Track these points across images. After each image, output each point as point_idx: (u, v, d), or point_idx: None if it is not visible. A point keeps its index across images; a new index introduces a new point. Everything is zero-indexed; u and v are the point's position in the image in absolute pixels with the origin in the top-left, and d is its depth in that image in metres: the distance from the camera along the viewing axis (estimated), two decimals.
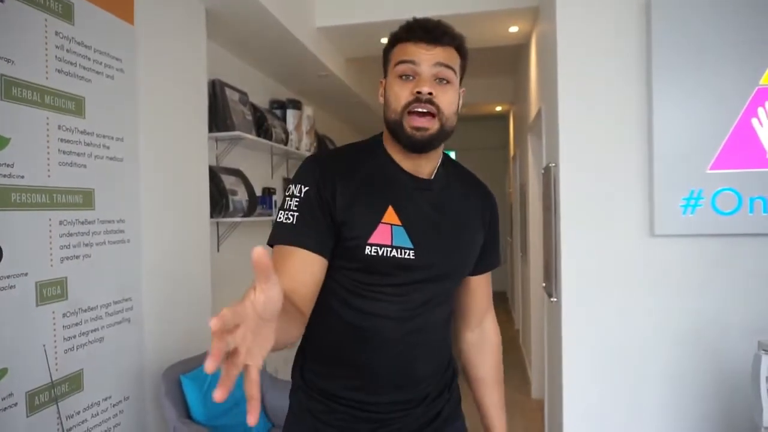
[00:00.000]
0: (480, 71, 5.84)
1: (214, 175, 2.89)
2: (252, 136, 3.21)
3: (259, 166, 3.73)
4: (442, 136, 1.07)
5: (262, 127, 3.46)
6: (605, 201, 2.28)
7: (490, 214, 1.23)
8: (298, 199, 1.04)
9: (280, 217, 1.05)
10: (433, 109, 1.04)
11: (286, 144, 3.78)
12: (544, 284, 3.02)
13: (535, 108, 3.45)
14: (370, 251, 1.04)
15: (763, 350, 1.69)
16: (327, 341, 1.12)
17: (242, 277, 3.17)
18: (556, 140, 2.40)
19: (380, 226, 1.05)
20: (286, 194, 1.07)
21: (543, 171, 2.90)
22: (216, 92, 3.01)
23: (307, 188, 1.05)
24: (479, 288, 1.27)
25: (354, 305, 1.08)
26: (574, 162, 2.31)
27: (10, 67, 1.61)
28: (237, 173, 3.21)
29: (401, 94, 1.05)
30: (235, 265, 3.18)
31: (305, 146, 4.16)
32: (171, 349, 2.33)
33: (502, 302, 7.88)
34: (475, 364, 1.31)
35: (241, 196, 3.09)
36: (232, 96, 3.14)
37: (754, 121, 2.10)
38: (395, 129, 1.07)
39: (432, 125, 1.05)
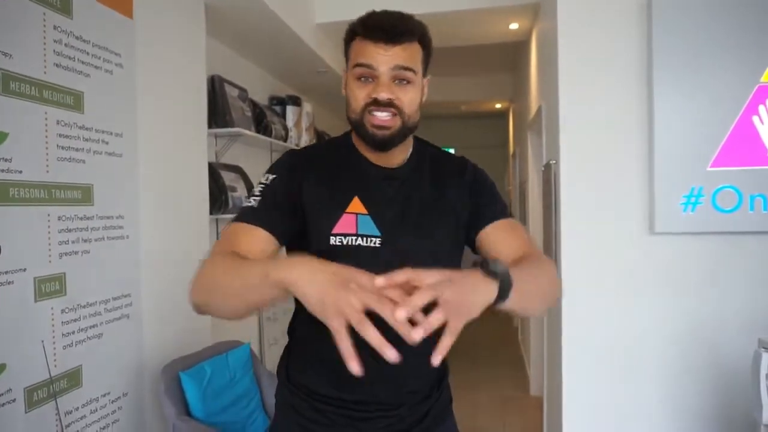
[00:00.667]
0: (480, 68, 5.84)
1: (214, 171, 2.88)
2: (251, 133, 3.20)
3: (259, 162, 3.72)
4: (404, 132, 1.07)
5: (261, 124, 3.45)
6: (605, 198, 2.27)
7: (475, 184, 1.16)
8: (263, 186, 1.08)
9: (249, 201, 1.08)
10: (393, 110, 1.04)
11: (285, 140, 3.77)
12: None
13: (535, 105, 3.44)
14: (335, 241, 1.05)
15: (764, 348, 1.69)
16: (307, 339, 1.12)
17: None
18: (556, 138, 2.39)
19: (344, 216, 1.06)
20: (261, 180, 1.11)
21: (543, 168, 2.89)
22: (215, 88, 3.00)
23: (274, 177, 1.09)
24: (498, 239, 1.12)
25: None
26: (574, 160, 2.31)
27: (8, 61, 1.60)
28: (236, 170, 3.20)
29: (359, 96, 1.05)
30: None
31: (305, 143, 4.15)
32: (170, 346, 2.33)
33: None
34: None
35: (241, 193, 3.08)
36: (231, 92, 3.13)
37: (755, 119, 2.10)
38: (357, 128, 1.08)
39: (394, 123, 1.04)
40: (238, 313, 0.95)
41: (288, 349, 1.19)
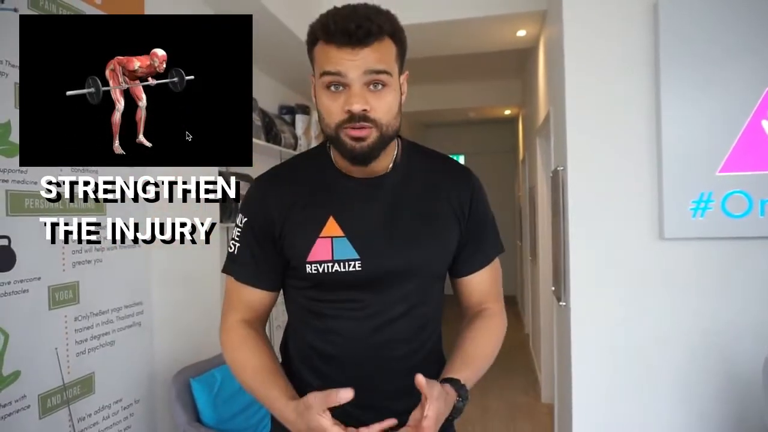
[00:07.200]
0: (488, 74, 5.84)
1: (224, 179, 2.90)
2: (261, 142, 3.23)
3: None
4: (384, 142, 0.97)
5: (271, 133, 3.48)
6: (614, 204, 2.27)
7: (470, 195, 1.08)
8: (239, 230, 1.06)
9: (230, 246, 1.08)
10: (368, 124, 0.93)
11: (295, 149, 3.80)
12: (553, 288, 3.01)
13: (543, 111, 3.44)
14: (311, 269, 1.00)
15: None
16: (297, 359, 1.10)
17: None
18: (564, 143, 2.39)
19: (318, 242, 0.99)
20: (236, 221, 1.09)
21: (551, 174, 2.89)
22: None
23: (246, 219, 1.06)
24: (472, 288, 1.11)
25: (312, 324, 1.05)
26: (582, 165, 2.31)
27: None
28: (246, 178, 3.23)
29: (332, 110, 0.94)
30: None
31: None
32: (181, 353, 2.35)
33: (511, 306, 7.85)
34: (462, 332, 1.10)
35: None
36: None
37: (764, 123, 2.09)
38: (333, 143, 0.99)
39: (370, 134, 0.94)
40: None
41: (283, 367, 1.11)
